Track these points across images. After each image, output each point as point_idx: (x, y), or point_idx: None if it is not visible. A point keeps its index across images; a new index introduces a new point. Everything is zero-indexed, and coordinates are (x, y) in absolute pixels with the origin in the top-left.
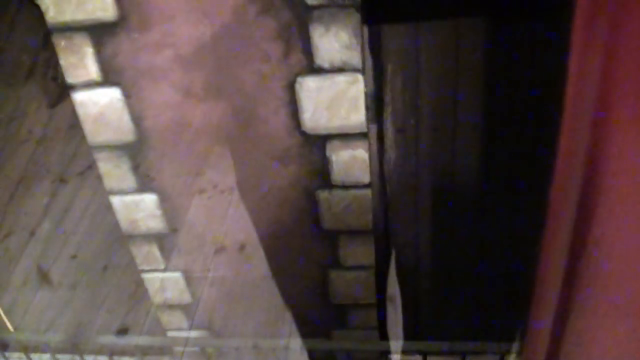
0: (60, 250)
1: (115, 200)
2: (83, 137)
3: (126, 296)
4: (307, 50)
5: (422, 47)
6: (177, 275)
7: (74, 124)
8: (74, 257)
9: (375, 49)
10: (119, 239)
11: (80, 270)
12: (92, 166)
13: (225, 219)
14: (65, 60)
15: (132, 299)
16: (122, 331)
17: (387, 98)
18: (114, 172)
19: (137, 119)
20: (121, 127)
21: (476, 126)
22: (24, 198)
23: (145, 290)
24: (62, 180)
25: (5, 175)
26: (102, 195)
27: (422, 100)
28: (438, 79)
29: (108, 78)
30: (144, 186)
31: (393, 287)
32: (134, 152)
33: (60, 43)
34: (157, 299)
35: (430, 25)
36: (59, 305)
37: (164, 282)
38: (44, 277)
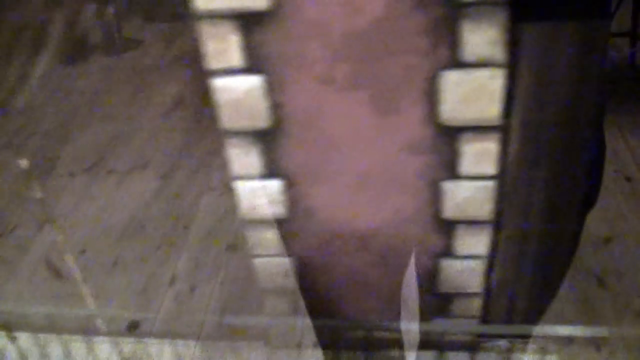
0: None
1: (240, 185)
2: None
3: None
4: (454, 45)
5: (554, 45)
6: (286, 261)
7: None
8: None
9: (511, 45)
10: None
11: (89, 265)
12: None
13: (345, 207)
14: (210, 47)
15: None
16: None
17: (516, 92)
18: (244, 157)
19: (274, 107)
20: (257, 114)
21: (598, 123)
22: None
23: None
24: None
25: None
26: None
27: (549, 97)
28: (565, 77)
29: (252, 65)
30: (271, 172)
31: (500, 275)
32: (269, 138)
33: (207, 30)
34: (267, 283)
35: (565, 26)
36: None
37: (277, 267)
38: (53, 271)
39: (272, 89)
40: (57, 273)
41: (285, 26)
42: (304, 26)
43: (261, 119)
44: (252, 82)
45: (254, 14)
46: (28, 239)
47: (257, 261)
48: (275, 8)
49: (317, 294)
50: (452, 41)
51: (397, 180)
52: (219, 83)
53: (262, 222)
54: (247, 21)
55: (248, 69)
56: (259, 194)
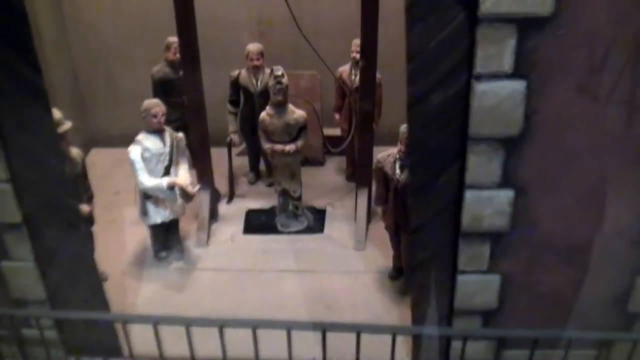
0: None
1: (469, 195)
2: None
3: None
4: None
5: None
6: (494, 278)
7: None
8: None
9: None
10: None
11: None
12: None
13: (567, 220)
14: (483, 51)
15: None
16: None
17: None
18: (484, 165)
19: (528, 113)
20: (510, 120)
21: None
22: None
23: None
24: None
25: None
26: None
27: None
28: None
29: (518, 71)
30: (505, 182)
31: None
32: (512, 146)
33: (485, 33)
34: (463, 304)
35: None
36: None
37: (477, 285)
38: None
39: (531, 95)
40: None
41: (560, 33)
42: (575, 34)
43: (513, 126)
44: (515, 87)
45: (535, 19)
46: None
47: (461, 279)
48: (555, 14)
49: (518, 314)
50: None
51: (621, 193)
52: (482, 88)
53: (481, 236)
54: (526, 26)
55: (515, 74)
56: (486, 205)
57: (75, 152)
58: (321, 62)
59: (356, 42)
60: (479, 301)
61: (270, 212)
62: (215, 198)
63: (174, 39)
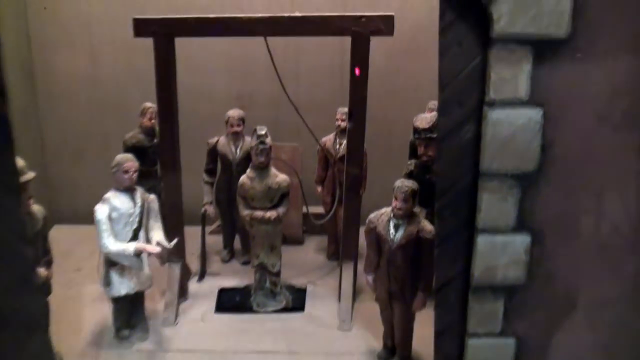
0: None
1: (482, 241)
2: None
3: None
4: None
5: None
6: (509, 342)
7: None
8: None
9: None
10: None
11: None
12: None
13: (588, 270)
14: (497, 74)
15: None
16: None
17: None
18: (498, 205)
19: (545, 146)
20: (526, 153)
21: None
22: None
23: None
24: None
25: None
26: None
27: None
28: None
29: (534, 97)
30: (521, 225)
31: None
32: (528, 183)
33: (499, 55)
34: None
35: None
36: None
37: (490, 351)
38: None
39: (548, 125)
40: None
41: (574, 57)
42: (591, 59)
43: (528, 160)
44: (531, 115)
45: (551, 41)
46: None
47: (472, 343)
48: (571, 37)
49: None
50: None
51: None
52: (495, 115)
53: (494, 291)
54: (542, 49)
55: (530, 102)
56: (501, 253)
57: (36, 208)
58: (301, 137)
59: (341, 110)
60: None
61: (245, 291)
62: (186, 275)
63: (150, 105)
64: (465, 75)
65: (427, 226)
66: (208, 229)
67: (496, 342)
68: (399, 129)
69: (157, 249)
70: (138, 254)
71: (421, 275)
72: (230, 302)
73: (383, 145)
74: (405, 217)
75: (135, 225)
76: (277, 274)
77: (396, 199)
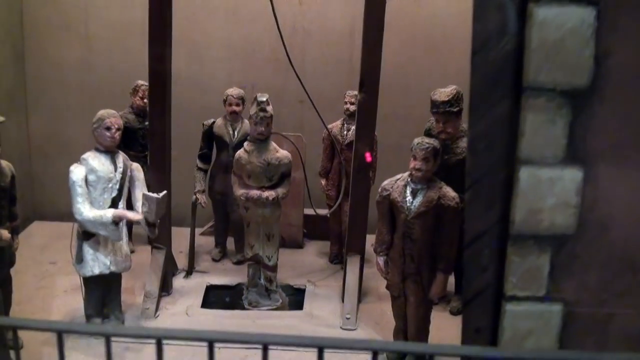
0: None
1: (524, 175)
2: None
3: None
4: None
5: None
6: (555, 309)
7: None
8: None
9: None
10: None
11: None
12: None
13: None
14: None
15: None
16: None
17: None
18: (544, 129)
19: (599, 56)
20: (577, 64)
21: None
22: None
23: None
24: None
25: None
26: None
27: None
28: None
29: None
30: (571, 156)
31: None
32: (580, 103)
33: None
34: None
35: None
36: None
37: (532, 320)
38: None
39: (602, 28)
40: None
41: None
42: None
43: (580, 73)
44: (583, 15)
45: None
46: None
47: (510, 309)
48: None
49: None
50: None
51: None
52: (543, 13)
53: (538, 241)
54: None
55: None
56: (547, 192)
57: (5, 163)
58: (304, 131)
59: (350, 92)
60: (533, 346)
61: (236, 289)
62: (171, 268)
63: (143, 82)
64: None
65: (450, 192)
66: (199, 230)
67: (539, 309)
68: (410, 126)
69: (139, 216)
70: (117, 221)
71: (441, 252)
72: (219, 299)
73: (394, 143)
74: (425, 180)
75: (114, 194)
76: (274, 269)
77: (415, 158)
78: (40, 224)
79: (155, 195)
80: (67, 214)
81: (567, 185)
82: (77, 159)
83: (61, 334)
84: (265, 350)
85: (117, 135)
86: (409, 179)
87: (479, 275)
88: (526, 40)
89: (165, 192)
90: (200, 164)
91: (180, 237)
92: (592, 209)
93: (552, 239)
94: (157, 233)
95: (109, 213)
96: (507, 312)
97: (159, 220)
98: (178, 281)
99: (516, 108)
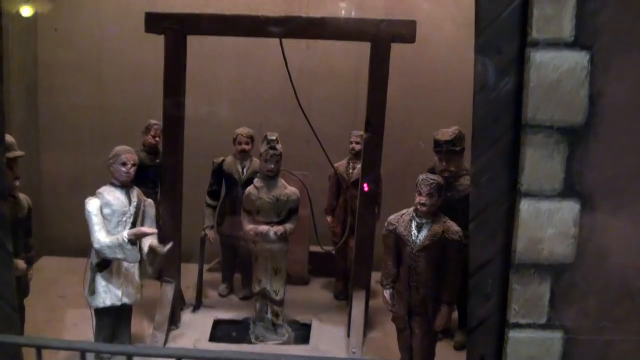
0: None
1: (525, 207)
2: None
3: None
4: None
5: None
6: (556, 336)
7: None
8: None
9: None
10: None
11: None
12: None
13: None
14: (540, 11)
15: None
16: None
17: None
18: (543, 163)
19: (593, 96)
20: (573, 103)
21: None
22: None
23: None
24: None
25: None
26: None
27: None
28: None
29: (580, 39)
30: (569, 189)
31: None
32: (576, 139)
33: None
34: None
35: None
36: None
37: (534, 347)
38: None
39: (595, 71)
40: None
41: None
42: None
43: (576, 111)
44: (577, 59)
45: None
46: None
47: (513, 336)
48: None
49: None
50: None
51: None
52: (540, 57)
53: (538, 270)
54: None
55: (575, 43)
56: (547, 223)
57: (22, 195)
58: (310, 170)
59: (355, 132)
60: None
61: (243, 324)
62: (179, 303)
63: (155, 122)
64: (504, 17)
65: (454, 226)
66: (206, 266)
67: (541, 336)
68: (414, 165)
69: (154, 230)
70: (133, 240)
71: (445, 285)
72: (226, 333)
73: (398, 180)
74: (430, 215)
75: (128, 226)
76: (280, 303)
77: (420, 194)
78: (49, 258)
79: (162, 249)
80: (75, 249)
81: (565, 216)
82: (86, 196)
83: (84, 353)
84: None
85: (132, 170)
86: (414, 214)
87: (483, 303)
88: (525, 81)
89: (171, 243)
90: (209, 201)
91: (187, 272)
92: (590, 239)
93: (552, 268)
94: (154, 277)
95: (124, 233)
96: (511, 339)
97: (156, 271)
98: (186, 315)
99: (516, 144)
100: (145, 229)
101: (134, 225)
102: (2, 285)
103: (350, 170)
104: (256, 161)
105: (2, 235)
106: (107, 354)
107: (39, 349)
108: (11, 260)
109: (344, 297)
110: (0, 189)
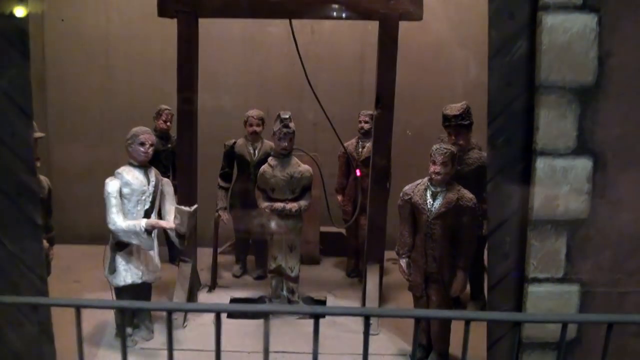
0: None
1: (540, 165)
2: None
3: None
4: None
5: None
6: (573, 289)
7: None
8: None
9: None
10: None
11: None
12: None
13: None
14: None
15: None
16: None
17: None
18: (556, 123)
19: (602, 57)
20: (583, 64)
21: None
22: None
23: None
24: None
25: None
26: None
27: None
28: None
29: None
30: (582, 147)
31: None
32: (587, 98)
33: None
34: (533, 330)
35: None
36: None
37: (554, 299)
38: None
39: (604, 32)
40: None
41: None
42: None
43: (586, 72)
44: (586, 21)
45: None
46: None
47: (532, 291)
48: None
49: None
50: None
51: None
52: (551, 21)
53: (555, 226)
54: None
55: (584, 6)
56: (562, 180)
57: (42, 177)
58: (319, 152)
59: (364, 112)
60: (553, 326)
61: (258, 302)
62: (196, 284)
63: (166, 107)
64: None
65: (467, 194)
66: (218, 248)
67: (558, 290)
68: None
69: (172, 224)
70: (150, 230)
71: (460, 251)
72: (243, 311)
73: (406, 158)
74: (444, 183)
75: (147, 205)
76: (296, 280)
77: (434, 163)
78: (62, 247)
79: (187, 208)
80: (87, 237)
81: (579, 173)
82: (96, 185)
83: (123, 311)
84: (316, 319)
85: (150, 150)
86: (428, 183)
87: (502, 261)
88: (537, 44)
89: (196, 205)
90: (222, 183)
91: (201, 255)
92: (603, 195)
93: (568, 224)
94: (186, 244)
95: (142, 222)
96: (530, 294)
97: (188, 232)
98: (202, 295)
99: (530, 105)
100: (163, 222)
101: (152, 203)
102: (32, 259)
103: (360, 149)
104: (267, 143)
105: (32, 209)
106: (127, 330)
107: (78, 308)
108: (40, 234)
109: (355, 274)
110: (30, 165)
